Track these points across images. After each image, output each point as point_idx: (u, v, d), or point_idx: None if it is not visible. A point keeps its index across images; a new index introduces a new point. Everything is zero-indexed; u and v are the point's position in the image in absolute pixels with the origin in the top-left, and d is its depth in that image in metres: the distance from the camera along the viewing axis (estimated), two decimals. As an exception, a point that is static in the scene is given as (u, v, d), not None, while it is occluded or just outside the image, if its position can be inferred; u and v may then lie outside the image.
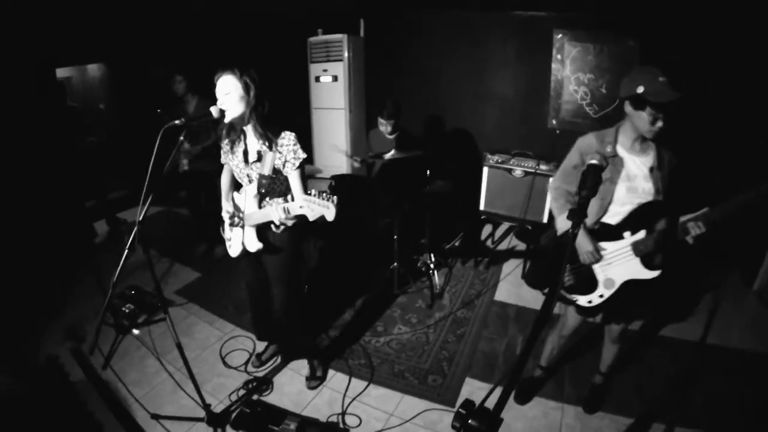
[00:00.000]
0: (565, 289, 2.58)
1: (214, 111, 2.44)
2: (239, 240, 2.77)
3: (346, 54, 5.93)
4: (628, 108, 2.26)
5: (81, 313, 4.03)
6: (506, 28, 5.41)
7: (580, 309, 2.58)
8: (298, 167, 2.59)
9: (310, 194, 2.24)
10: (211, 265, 5.05)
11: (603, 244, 2.42)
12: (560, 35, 5.10)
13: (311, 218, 2.23)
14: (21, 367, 3.32)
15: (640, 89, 2.13)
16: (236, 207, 2.80)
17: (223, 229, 2.93)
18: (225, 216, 2.85)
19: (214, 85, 2.51)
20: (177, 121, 2.28)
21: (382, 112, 4.20)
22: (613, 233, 2.40)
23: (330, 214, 2.17)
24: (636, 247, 2.33)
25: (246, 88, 2.48)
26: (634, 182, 2.32)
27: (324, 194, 2.16)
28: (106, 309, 2.25)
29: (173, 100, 4.88)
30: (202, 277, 4.84)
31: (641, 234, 2.32)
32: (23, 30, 4.71)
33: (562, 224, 2.55)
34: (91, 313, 4.00)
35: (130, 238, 2.12)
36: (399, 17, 6.00)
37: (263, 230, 2.71)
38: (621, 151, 2.35)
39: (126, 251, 2.12)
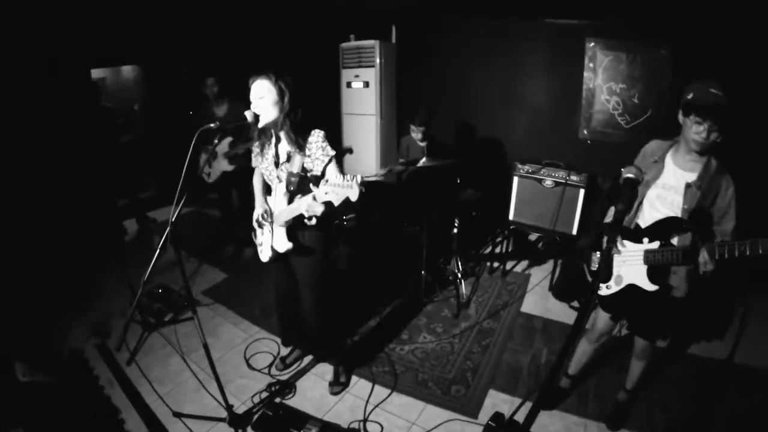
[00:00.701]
0: (589, 271, 2.71)
1: (248, 115, 2.46)
2: (269, 243, 2.78)
3: (377, 60, 5.93)
4: (680, 116, 2.29)
5: (108, 309, 4.10)
6: (538, 36, 5.35)
7: (603, 304, 2.68)
8: (329, 163, 2.58)
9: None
10: (240, 267, 5.10)
11: (627, 243, 2.49)
12: (592, 44, 5.03)
13: (336, 202, 2.20)
14: (49, 361, 3.38)
15: (690, 95, 2.18)
16: (268, 210, 2.81)
17: (255, 235, 2.95)
18: (256, 213, 2.86)
19: (248, 89, 2.54)
20: (212, 125, 2.31)
21: (414, 119, 4.21)
22: (637, 235, 2.45)
23: (354, 194, 2.14)
24: (646, 255, 2.38)
25: (280, 94, 2.49)
26: (666, 192, 2.36)
27: (347, 176, 2.14)
28: (135, 307, 2.28)
29: (203, 102, 4.94)
30: (229, 278, 4.88)
31: (655, 244, 2.37)
32: (59, 32, 4.83)
33: None
34: (118, 310, 4.07)
35: (163, 238, 2.15)
36: (431, 24, 5.99)
37: (293, 230, 2.71)
38: (668, 159, 2.39)
39: (158, 251, 2.14)
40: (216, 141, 2.40)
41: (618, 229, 1.47)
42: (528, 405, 1.30)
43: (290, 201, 2.65)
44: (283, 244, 2.69)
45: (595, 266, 2.67)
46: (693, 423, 2.91)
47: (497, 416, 1.24)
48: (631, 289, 2.46)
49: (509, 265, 5.07)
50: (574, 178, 4.50)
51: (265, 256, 2.86)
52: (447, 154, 4.16)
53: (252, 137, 2.74)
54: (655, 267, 2.37)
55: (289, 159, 2.62)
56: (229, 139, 4.71)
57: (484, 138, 5.91)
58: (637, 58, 4.82)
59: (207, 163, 4.75)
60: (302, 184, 2.64)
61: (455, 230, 4.43)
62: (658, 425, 2.89)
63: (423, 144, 4.33)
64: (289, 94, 2.50)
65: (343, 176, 2.15)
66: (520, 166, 4.80)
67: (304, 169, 2.60)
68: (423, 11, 5.82)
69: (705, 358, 3.57)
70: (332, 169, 2.60)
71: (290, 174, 2.60)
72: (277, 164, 2.68)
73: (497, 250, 5.37)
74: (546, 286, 4.63)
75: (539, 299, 4.43)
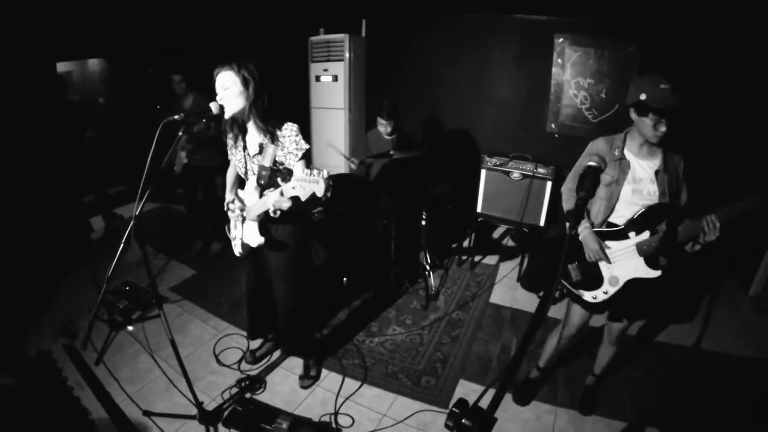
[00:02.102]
0: (572, 284, 2.63)
1: (213, 107, 2.41)
2: (241, 238, 2.76)
3: (347, 54, 5.91)
4: (633, 115, 2.34)
5: (75, 308, 4.02)
6: (507, 31, 5.40)
7: (586, 305, 2.63)
8: (302, 158, 2.57)
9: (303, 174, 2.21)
10: (207, 263, 5.04)
11: (609, 243, 2.48)
12: (561, 39, 5.10)
13: (303, 197, 2.19)
14: (14, 362, 3.30)
15: (643, 96, 2.22)
16: (241, 202, 2.79)
17: (229, 229, 2.92)
18: (226, 206, 2.84)
19: (213, 81, 2.50)
20: (176, 116, 2.27)
21: (381, 113, 4.20)
22: (619, 233, 2.46)
23: (320, 189, 2.12)
24: (640, 247, 2.40)
25: (245, 83, 2.46)
26: (639, 185, 2.40)
27: (314, 171, 2.13)
28: (99, 304, 2.23)
29: (172, 97, 4.87)
30: (197, 274, 4.82)
31: (645, 235, 2.39)
32: (24, 25, 4.70)
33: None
34: (85, 309, 3.98)
35: (126, 233, 2.11)
36: (401, 18, 5.98)
37: (265, 224, 2.69)
38: (628, 154, 2.43)
39: (122, 246, 2.10)
40: (180, 133, 2.35)
41: (580, 216, 1.50)
42: (493, 392, 1.32)
43: (261, 195, 2.64)
44: (255, 239, 2.67)
45: (576, 278, 2.60)
46: (662, 408, 2.99)
47: (461, 402, 1.25)
48: (632, 284, 2.46)
49: (477, 256, 5.13)
50: (541, 170, 4.57)
51: (239, 249, 2.85)
52: (415, 147, 4.17)
53: (224, 130, 2.70)
54: (652, 255, 2.40)
55: (261, 151, 2.60)
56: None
57: (453, 131, 5.94)
58: (606, 54, 4.90)
59: (180, 151, 4.70)
60: (273, 177, 2.62)
61: (423, 223, 4.45)
62: (628, 411, 2.97)
63: (390, 137, 4.33)
64: (253, 81, 2.46)
65: (310, 171, 2.14)
66: (487, 158, 4.85)
67: (275, 162, 2.58)
68: (393, 5, 5.81)
69: (672, 344, 3.69)
70: (301, 164, 2.59)
71: (261, 167, 2.58)
72: (247, 155, 2.66)
73: (465, 242, 5.42)
74: (514, 277, 4.70)
75: (507, 290, 4.50)
